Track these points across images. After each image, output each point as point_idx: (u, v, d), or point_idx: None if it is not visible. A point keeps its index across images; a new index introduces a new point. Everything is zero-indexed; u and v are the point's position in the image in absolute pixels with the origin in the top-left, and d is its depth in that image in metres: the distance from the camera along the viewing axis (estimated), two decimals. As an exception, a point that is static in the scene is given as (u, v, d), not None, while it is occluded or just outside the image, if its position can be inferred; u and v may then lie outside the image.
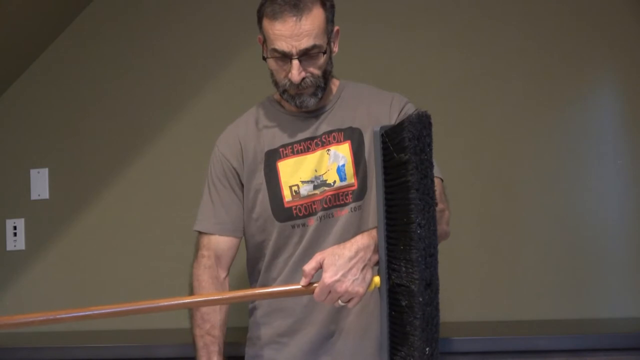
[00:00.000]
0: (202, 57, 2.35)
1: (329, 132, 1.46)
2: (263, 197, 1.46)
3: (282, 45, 1.35)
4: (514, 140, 2.21)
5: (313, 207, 1.44)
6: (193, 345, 1.51)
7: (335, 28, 1.44)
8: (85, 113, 2.39)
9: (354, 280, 1.20)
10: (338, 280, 1.19)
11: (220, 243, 1.51)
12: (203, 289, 1.49)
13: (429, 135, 1.14)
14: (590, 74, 2.21)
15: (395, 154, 1.15)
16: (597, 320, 2.09)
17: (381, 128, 1.20)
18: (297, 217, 1.44)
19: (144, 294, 2.18)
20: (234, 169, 1.50)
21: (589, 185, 2.18)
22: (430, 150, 1.14)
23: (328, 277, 1.19)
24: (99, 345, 1.97)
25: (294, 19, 1.33)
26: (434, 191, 1.14)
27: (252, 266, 1.56)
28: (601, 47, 2.20)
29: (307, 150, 1.46)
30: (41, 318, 1.20)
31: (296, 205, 1.44)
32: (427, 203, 1.12)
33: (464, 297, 2.17)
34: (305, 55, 1.36)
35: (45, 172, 2.38)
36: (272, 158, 1.47)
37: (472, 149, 2.22)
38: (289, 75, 1.38)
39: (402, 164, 1.13)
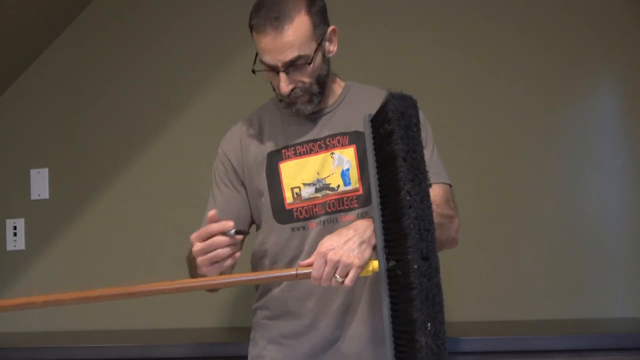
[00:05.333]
0: (202, 57, 2.35)
1: (334, 136, 1.44)
2: (265, 198, 1.45)
3: (268, 59, 1.35)
4: (513, 140, 2.21)
5: (314, 210, 1.42)
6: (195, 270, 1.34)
7: (330, 28, 1.41)
8: (85, 113, 2.39)
9: (349, 252, 1.18)
10: (332, 249, 1.18)
11: None
12: None
13: (416, 115, 1.15)
14: (590, 74, 2.21)
15: (380, 129, 1.16)
16: (597, 320, 2.09)
17: (369, 115, 1.24)
18: (298, 220, 1.43)
19: (144, 294, 2.19)
20: (234, 168, 1.50)
21: (589, 185, 2.18)
22: (418, 130, 1.15)
23: (324, 247, 1.19)
24: (99, 345, 1.97)
25: (275, 32, 1.32)
26: (424, 169, 1.13)
27: (254, 268, 1.56)
28: (601, 47, 2.20)
29: (309, 152, 1.44)
30: (42, 299, 1.22)
31: (297, 208, 1.43)
32: (416, 176, 1.11)
33: (464, 298, 2.17)
34: (292, 66, 1.35)
35: (45, 172, 2.38)
36: (274, 159, 1.46)
37: (471, 148, 2.22)
38: (279, 87, 1.38)
39: (388, 137, 1.13)
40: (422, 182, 1.12)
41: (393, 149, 1.12)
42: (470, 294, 2.18)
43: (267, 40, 1.33)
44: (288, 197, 1.43)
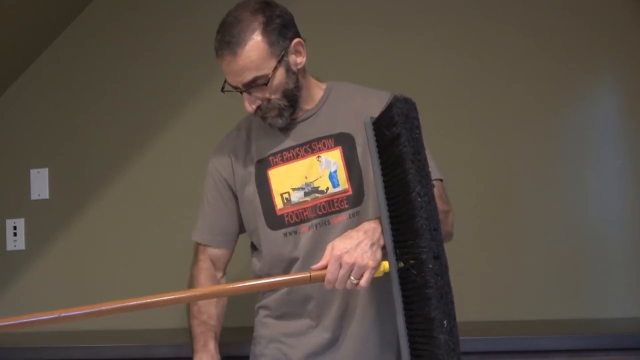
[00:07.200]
0: (202, 57, 2.35)
1: (319, 139, 1.45)
2: (256, 207, 1.47)
3: (230, 80, 1.39)
4: (513, 141, 2.21)
5: (304, 214, 1.43)
6: (190, 336, 1.54)
7: (294, 41, 1.39)
8: (86, 113, 2.39)
9: (363, 253, 1.20)
10: (347, 252, 1.20)
11: (214, 251, 1.58)
12: (201, 287, 1.55)
13: (417, 118, 1.17)
14: (590, 74, 2.21)
15: (386, 132, 1.18)
16: (597, 320, 2.09)
17: (371, 118, 1.26)
18: (289, 225, 1.44)
19: (144, 293, 2.18)
20: (225, 180, 1.52)
21: (589, 185, 2.18)
22: (420, 132, 1.17)
23: (337, 250, 1.21)
24: (99, 345, 1.97)
25: (231, 55, 1.35)
26: (428, 170, 1.16)
27: (255, 274, 1.57)
28: (601, 47, 2.20)
29: (296, 157, 1.46)
30: (48, 317, 1.22)
31: (287, 213, 1.44)
32: (423, 178, 1.13)
33: (463, 297, 2.15)
34: (253, 86, 1.37)
35: (45, 172, 2.38)
36: (262, 167, 1.47)
37: (471, 148, 2.22)
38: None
39: (395, 140, 1.15)
40: (427, 183, 1.14)
41: (401, 151, 1.14)
42: (470, 294, 2.17)
43: (225, 64, 1.37)
44: (278, 203, 1.45)
